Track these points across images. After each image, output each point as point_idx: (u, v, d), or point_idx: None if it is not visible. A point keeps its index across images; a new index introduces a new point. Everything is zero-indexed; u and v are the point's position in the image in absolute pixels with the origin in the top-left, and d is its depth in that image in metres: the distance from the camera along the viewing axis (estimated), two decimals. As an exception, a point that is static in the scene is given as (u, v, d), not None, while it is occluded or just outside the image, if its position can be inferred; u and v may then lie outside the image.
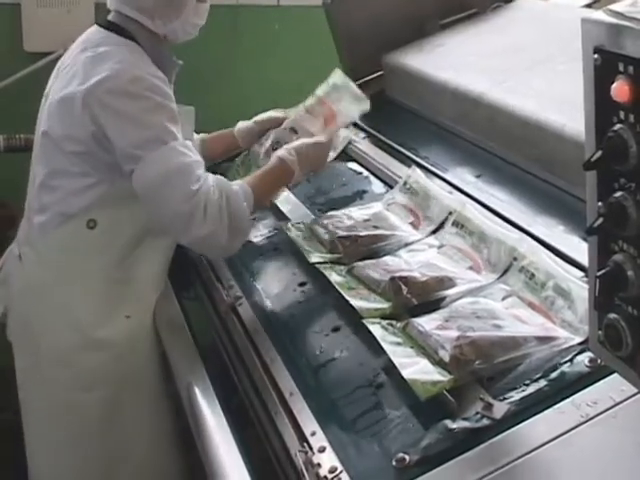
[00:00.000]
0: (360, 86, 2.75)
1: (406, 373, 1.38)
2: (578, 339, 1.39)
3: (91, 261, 2.00)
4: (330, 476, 1.29)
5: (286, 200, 2.24)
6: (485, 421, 1.27)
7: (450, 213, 1.88)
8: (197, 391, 1.75)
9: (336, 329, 1.68)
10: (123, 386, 2.04)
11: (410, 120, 2.50)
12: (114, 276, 2.01)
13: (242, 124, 2.41)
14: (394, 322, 1.56)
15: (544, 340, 1.41)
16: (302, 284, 1.89)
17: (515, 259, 1.64)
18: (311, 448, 1.36)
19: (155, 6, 1.96)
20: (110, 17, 2.02)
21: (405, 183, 2.09)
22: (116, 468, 2.07)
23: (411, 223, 1.96)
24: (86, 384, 2.01)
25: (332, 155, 2.24)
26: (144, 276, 2.06)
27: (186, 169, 1.83)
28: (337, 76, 2.30)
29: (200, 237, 1.83)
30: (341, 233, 1.92)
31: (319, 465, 1.32)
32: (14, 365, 2.11)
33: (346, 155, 2.41)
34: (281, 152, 2.05)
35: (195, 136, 2.27)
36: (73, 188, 1.95)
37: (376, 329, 1.53)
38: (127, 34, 1.96)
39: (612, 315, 0.99)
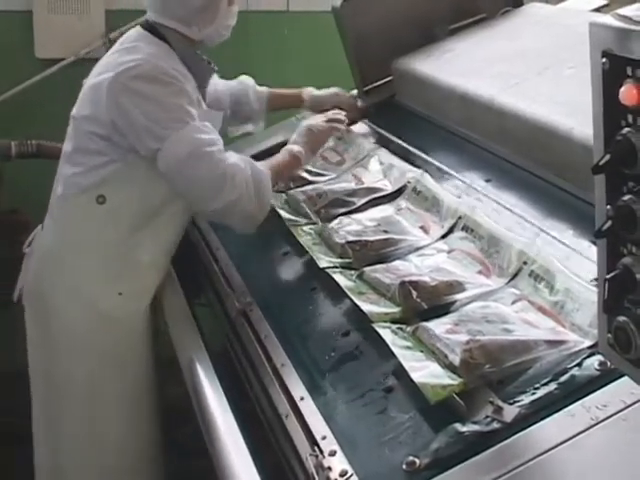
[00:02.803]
0: (370, 91, 2.78)
1: (416, 377, 1.39)
2: (588, 342, 1.39)
3: (96, 235, 2.11)
4: (341, 480, 1.30)
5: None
6: (495, 424, 1.28)
7: (460, 217, 1.89)
8: (208, 395, 1.76)
9: (346, 333, 1.69)
10: (107, 359, 2.14)
11: (420, 125, 2.51)
12: (115, 252, 2.11)
13: (316, 93, 2.64)
14: (404, 326, 1.56)
15: (554, 344, 1.41)
16: (312, 289, 1.90)
17: (525, 263, 1.64)
18: (322, 452, 1.36)
19: (191, 14, 2.08)
20: (150, 20, 2.14)
21: (415, 188, 2.10)
22: (99, 439, 2.17)
23: (421, 227, 1.96)
24: (77, 350, 2.13)
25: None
26: (144, 259, 2.15)
27: (211, 143, 2.00)
28: None
29: (231, 201, 1.99)
30: (351, 238, 1.93)
31: (330, 469, 1.32)
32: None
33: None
34: (292, 147, 2.24)
35: (259, 88, 2.61)
36: (90, 165, 2.07)
37: (386, 333, 1.54)
38: (161, 36, 2.09)
39: (621, 318, 0.99)
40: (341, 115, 2.40)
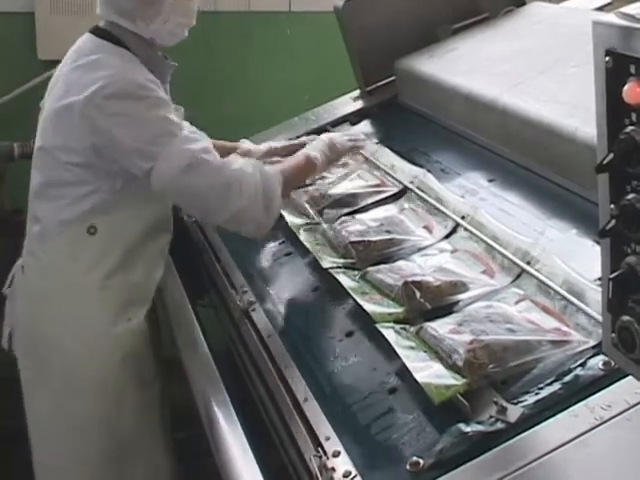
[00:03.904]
0: (373, 91, 2.78)
1: (420, 377, 1.38)
2: (592, 342, 1.39)
3: (92, 267, 1.99)
4: (344, 480, 1.30)
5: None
6: (499, 425, 1.27)
7: (463, 217, 1.88)
8: (212, 397, 1.75)
9: (350, 334, 1.69)
10: (126, 385, 2.04)
11: (422, 125, 2.51)
12: (115, 281, 2.00)
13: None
14: (407, 326, 1.56)
15: (558, 344, 1.41)
16: (315, 289, 1.90)
17: (528, 263, 1.64)
18: (325, 453, 1.36)
19: (133, 7, 1.95)
20: (102, 24, 2.04)
21: (418, 188, 2.09)
22: (117, 463, 2.07)
23: (424, 227, 1.96)
24: (88, 390, 2.01)
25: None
26: (143, 279, 2.06)
27: (207, 151, 1.88)
28: None
29: (239, 210, 1.88)
30: (354, 238, 1.92)
31: (333, 469, 1.32)
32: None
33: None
34: (309, 151, 2.14)
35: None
36: (71, 196, 1.96)
37: (389, 333, 1.53)
38: (118, 41, 1.98)
39: (626, 317, 0.99)
40: (361, 136, 2.35)
